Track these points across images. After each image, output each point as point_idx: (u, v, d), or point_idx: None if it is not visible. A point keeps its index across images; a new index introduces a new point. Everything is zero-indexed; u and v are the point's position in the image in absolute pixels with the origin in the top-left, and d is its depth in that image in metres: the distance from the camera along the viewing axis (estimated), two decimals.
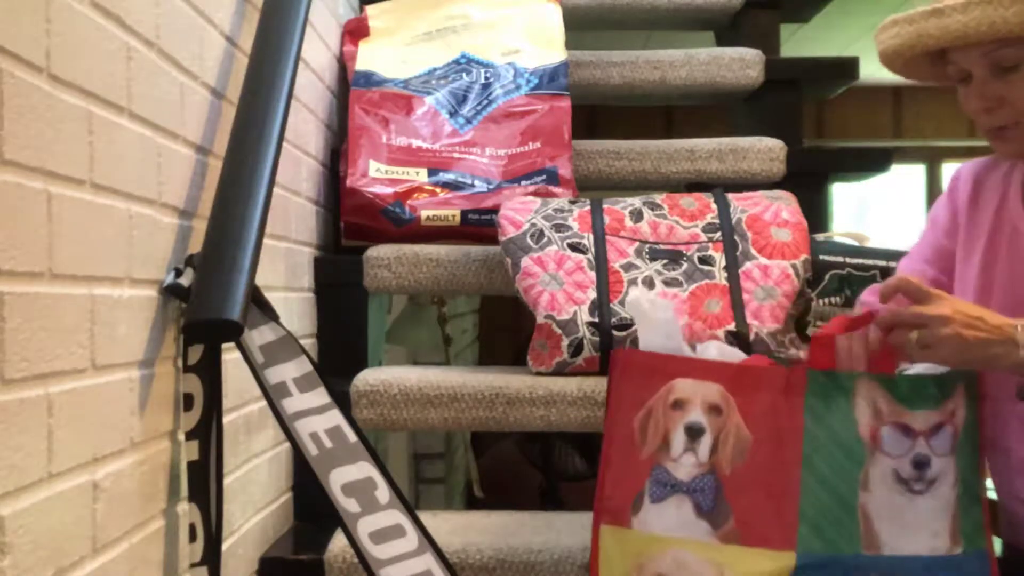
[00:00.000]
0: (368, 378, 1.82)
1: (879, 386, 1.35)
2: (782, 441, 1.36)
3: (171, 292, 1.22)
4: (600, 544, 1.37)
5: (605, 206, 1.92)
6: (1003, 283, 1.41)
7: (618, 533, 1.37)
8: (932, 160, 6.03)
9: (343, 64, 2.27)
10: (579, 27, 2.54)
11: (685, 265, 1.84)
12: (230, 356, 1.36)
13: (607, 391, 1.41)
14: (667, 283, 1.81)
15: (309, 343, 1.94)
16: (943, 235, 1.52)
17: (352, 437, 1.33)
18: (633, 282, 1.81)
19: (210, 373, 1.24)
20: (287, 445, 1.75)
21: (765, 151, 2.22)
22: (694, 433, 1.36)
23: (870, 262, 1.88)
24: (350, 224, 2.06)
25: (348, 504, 1.31)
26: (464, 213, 2.04)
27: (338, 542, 1.63)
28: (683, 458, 1.36)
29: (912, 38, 1.36)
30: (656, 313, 1.41)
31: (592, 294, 1.80)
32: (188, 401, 1.24)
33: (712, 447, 1.36)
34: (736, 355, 1.47)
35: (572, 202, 1.94)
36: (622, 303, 1.79)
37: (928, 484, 1.35)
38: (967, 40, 1.31)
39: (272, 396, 1.31)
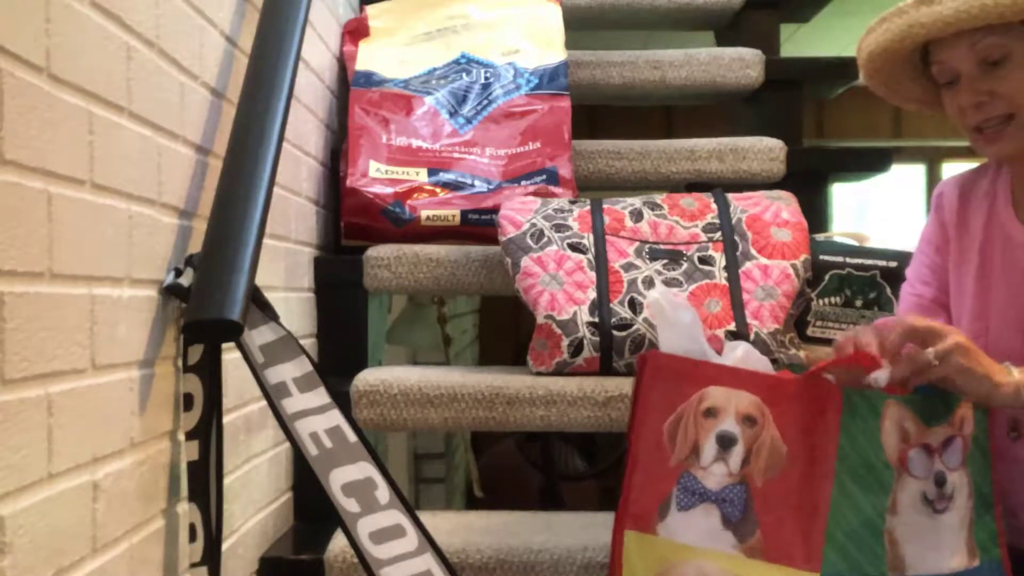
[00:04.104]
0: (368, 378, 1.82)
1: (906, 408, 1.32)
2: (815, 458, 1.32)
3: (171, 292, 1.23)
4: (624, 550, 1.34)
5: (605, 206, 1.92)
6: (1000, 292, 1.41)
7: (642, 539, 1.33)
8: (932, 160, 6.04)
9: (343, 64, 2.27)
10: (579, 27, 2.54)
11: (685, 265, 1.84)
12: (230, 356, 1.36)
13: (633, 393, 1.37)
14: (667, 283, 1.81)
15: (309, 343, 1.94)
16: (935, 252, 1.51)
17: (352, 437, 1.33)
18: (634, 282, 1.81)
19: (210, 373, 1.24)
20: (287, 445, 1.75)
21: (765, 151, 2.22)
22: (726, 443, 1.32)
23: (870, 262, 1.88)
24: (350, 224, 2.06)
25: (348, 504, 1.30)
26: (464, 213, 2.04)
27: (338, 542, 1.63)
28: (713, 467, 1.32)
29: (903, 30, 1.35)
30: (678, 315, 1.37)
31: (592, 294, 1.80)
32: (188, 401, 1.24)
33: (744, 458, 1.32)
34: (762, 359, 1.42)
35: (572, 202, 1.94)
36: (622, 303, 1.79)
37: (948, 501, 1.32)
38: (959, 26, 1.30)
39: (272, 396, 1.31)
